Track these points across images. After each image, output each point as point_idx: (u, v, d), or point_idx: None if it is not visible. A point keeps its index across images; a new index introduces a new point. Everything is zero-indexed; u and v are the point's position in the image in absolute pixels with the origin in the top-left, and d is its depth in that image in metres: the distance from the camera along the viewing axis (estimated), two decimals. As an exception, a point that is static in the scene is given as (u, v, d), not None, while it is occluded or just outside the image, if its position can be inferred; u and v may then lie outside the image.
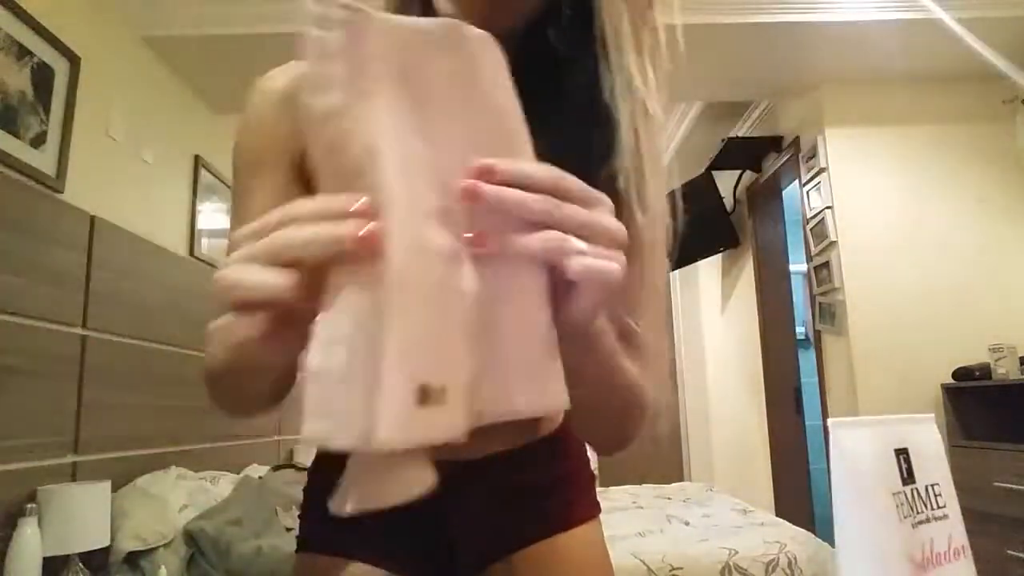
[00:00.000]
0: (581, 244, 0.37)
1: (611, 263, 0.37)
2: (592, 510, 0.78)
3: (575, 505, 0.76)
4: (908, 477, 0.48)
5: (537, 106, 0.43)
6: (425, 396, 0.35)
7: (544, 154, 0.40)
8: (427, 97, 0.37)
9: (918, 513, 0.47)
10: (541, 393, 0.39)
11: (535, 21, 0.56)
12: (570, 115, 0.53)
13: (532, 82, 0.46)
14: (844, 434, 0.45)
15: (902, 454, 0.48)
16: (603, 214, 0.39)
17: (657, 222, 0.53)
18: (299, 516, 0.77)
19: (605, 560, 0.76)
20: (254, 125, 0.63)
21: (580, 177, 0.39)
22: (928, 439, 0.50)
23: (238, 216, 0.61)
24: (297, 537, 0.75)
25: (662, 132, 0.53)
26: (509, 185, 0.36)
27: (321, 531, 0.72)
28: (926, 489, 0.48)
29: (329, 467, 0.77)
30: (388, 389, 0.33)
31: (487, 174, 0.36)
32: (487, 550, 0.72)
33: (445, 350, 0.36)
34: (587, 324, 0.41)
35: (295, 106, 0.53)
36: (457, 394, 0.36)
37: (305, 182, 0.60)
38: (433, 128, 0.37)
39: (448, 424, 0.36)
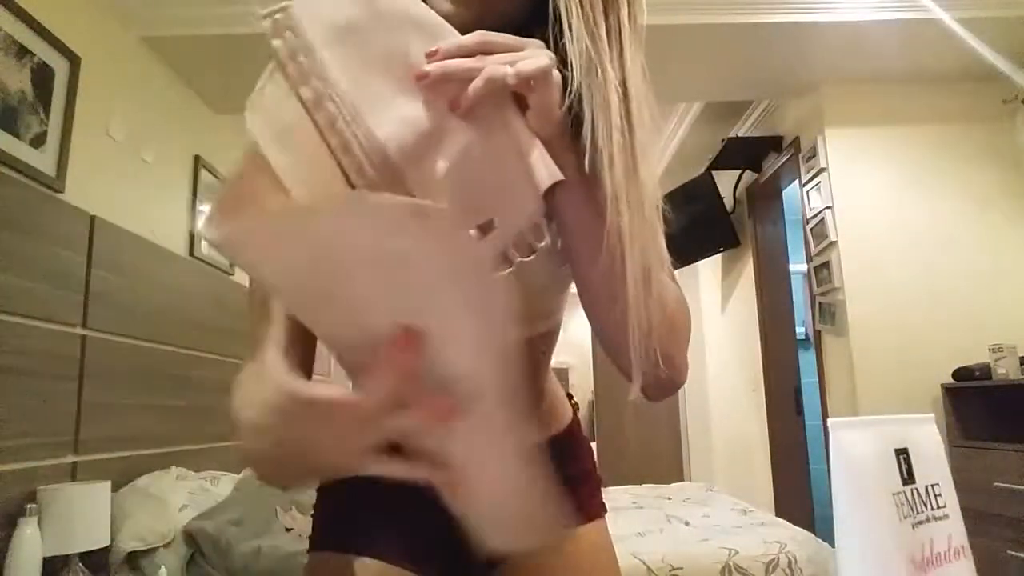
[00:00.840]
0: (508, 68, 0.47)
1: (536, 60, 0.48)
2: (600, 510, 0.79)
3: (586, 505, 0.77)
4: (908, 477, 0.48)
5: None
6: None
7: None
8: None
9: (918, 513, 0.47)
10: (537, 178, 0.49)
11: (525, 16, 0.59)
12: None
13: None
14: (844, 434, 0.45)
15: (902, 454, 0.48)
16: (530, 51, 0.49)
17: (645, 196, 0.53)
18: (312, 515, 0.77)
19: (613, 558, 0.77)
20: None
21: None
22: (928, 439, 0.50)
23: None
24: (310, 537, 0.75)
25: (644, 111, 0.53)
26: (446, 58, 0.48)
27: (334, 530, 0.73)
28: (926, 489, 0.48)
29: None
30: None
31: (431, 55, 0.48)
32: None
33: None
34: (549, 120, 0.50)
35: None
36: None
37: None
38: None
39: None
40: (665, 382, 0.58)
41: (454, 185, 0.48)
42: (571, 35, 0.53)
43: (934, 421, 0.45)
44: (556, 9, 0.54)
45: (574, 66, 0.52)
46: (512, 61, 0.49)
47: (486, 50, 0.49)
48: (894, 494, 0.44)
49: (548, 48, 0.53)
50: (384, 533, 0.70)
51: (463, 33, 0.60)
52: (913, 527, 0.45)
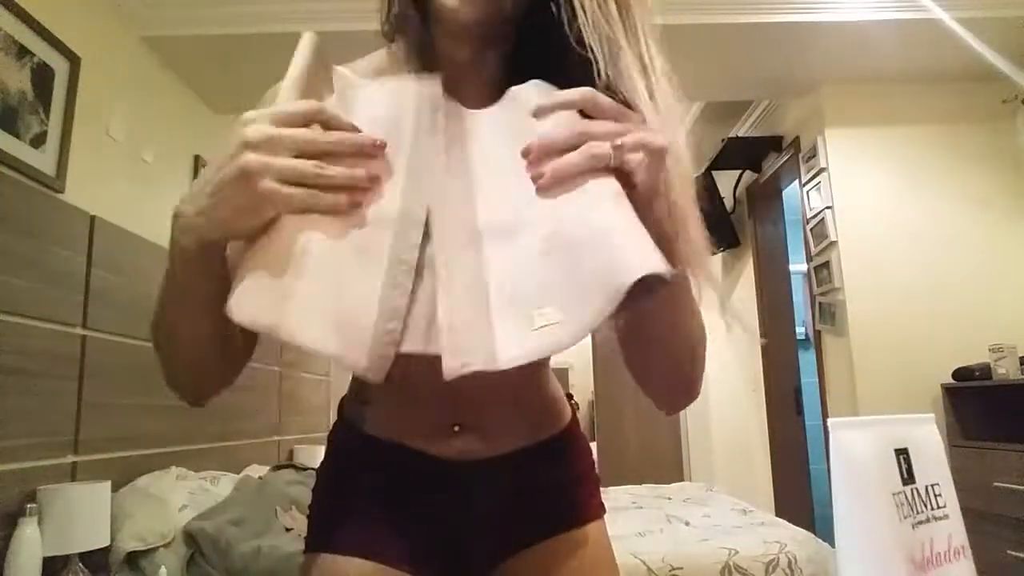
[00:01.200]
0: (607, 147, 0.47)
1: (651, 136, 0.48)
2: (599, 511, 0.78)
3: (584, 505, 0.77)
4: (908, 477, 0.48)
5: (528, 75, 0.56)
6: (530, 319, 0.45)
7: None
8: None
9: (918, 513, 0.47)
10: (645, 255, 0.46)
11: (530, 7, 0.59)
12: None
13: (530, 55, 0.58)
14: (844, 434, 0.45)
15: (902, 454, 0.48)
16: (635, 124, 0.49)
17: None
18: (308, 516, 0.77)
19: (612, 559, 0.76)
20: None
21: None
22: (928, 439, 0.50)
23: None
24: (305, 537, 0.74)
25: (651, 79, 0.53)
26: (553, 110, 0.50)
27: (331, 531, 0.72)
28: (926, 489, 0.48)
29: (338, 466, 0.77)
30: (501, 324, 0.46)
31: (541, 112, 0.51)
32: (498, 548, 0.72)
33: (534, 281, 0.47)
34: (651, 196, 0.50)
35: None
36: (562, 309, 0.46)
37: None
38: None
39: (558, 338, 0.46)
40: (683, 402, 0.66)
41: (536, 264, 0.48)
42: (587, 19, 0.52)
43: (934, 421, 0.45)
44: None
45: (597, 52, 0.52)
46: (620, 134, 0.48)
47: (594, 110, 0.50)
48: (894, 494, 0.44)
49: (558, 41, 0.53)
50: (382, 534, 0.70)
51: (467, 28, 0.60)
52: (913, 527, 0.45)
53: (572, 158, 0.48)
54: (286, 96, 0.52)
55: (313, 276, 0.47)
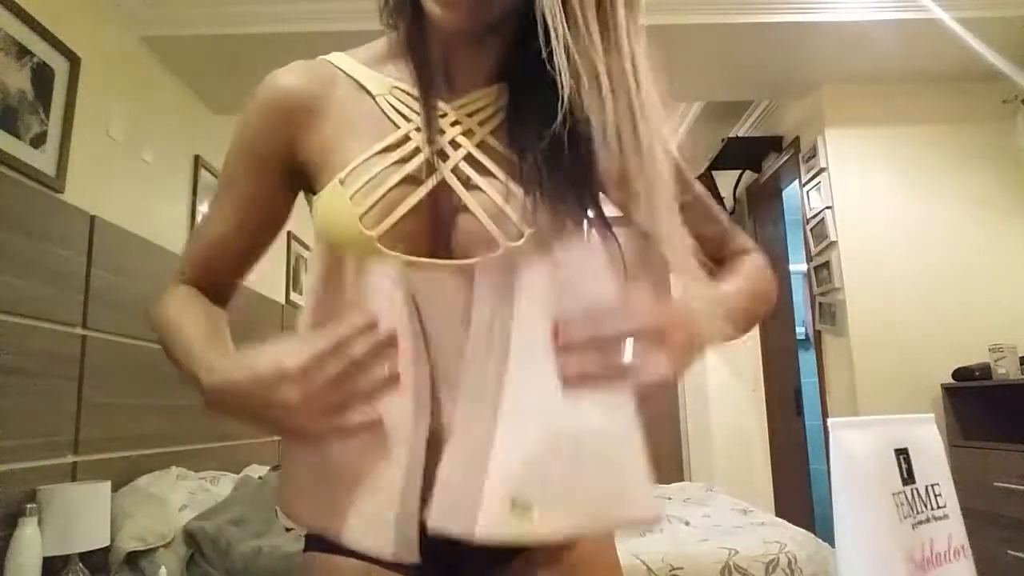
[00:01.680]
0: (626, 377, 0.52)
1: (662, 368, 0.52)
2: None
3: None
4: (908, 477, 0.48)
5: (526, 95, 0.59)
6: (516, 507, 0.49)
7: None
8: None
9: (918, 513, 0.47)
10: (646, 501, 0.51)
11: (518, 19, 0.59)
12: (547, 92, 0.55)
13: (518, 72, 0.60)
14: (844, 434, 0.45)
15: (902, 454, 0.48)
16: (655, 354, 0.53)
17: (656, 166, 0.54)
18: None
19: (615, 557, 0.77)
20: (260, 113, 0.68)
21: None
22: (928, 439, 0.50)
23: (219, 200, 0.72)
24: (305, 536, 0.74)
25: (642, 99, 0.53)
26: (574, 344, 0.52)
27: None
28: (926, 489, 0.48)
29: None
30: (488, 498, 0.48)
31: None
32: (499, 549, 0.72)
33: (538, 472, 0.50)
34: (654, 407, 0.55)
35: (299, 106, 0.66)
36: (547, 510, 0.49)
37: (294, 176, 0.69)
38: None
39: (535, 536, 0.50)
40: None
41: (541, 457, 0.51)
42: (557, 42, 0.51)
43: (934, 421, 0.45)
44: (541, 12, 0.52)
45: (564, 82, 0.51)
46: (642, 355, 0.52)
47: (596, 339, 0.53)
48: (894, 494, 0.44)
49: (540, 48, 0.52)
50: None
51: (451, 34, 0.61)
52: (913, 527, 0.45)
53: (595, 369, 0.51)
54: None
55: (345, 479, 0.58)
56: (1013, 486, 2.23)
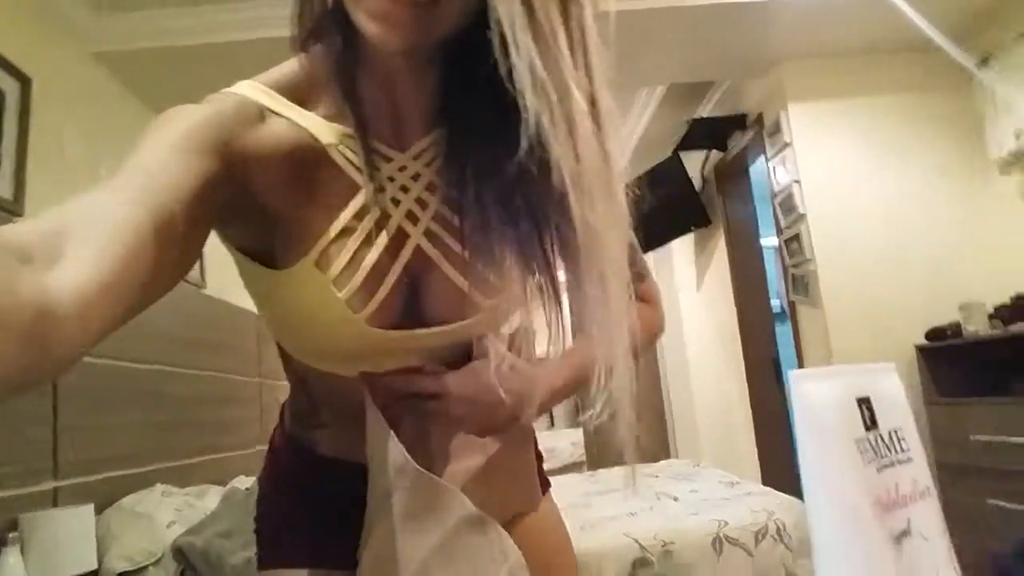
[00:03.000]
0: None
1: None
2: (544, 485, 0.86)
3: (536, 492, 0.85)
4: (871, 424, 0.50)
5: (463, 109, 0.53)
6: None
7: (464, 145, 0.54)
8: None
9: (882, 457, 0.48)
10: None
11: (459, 34, 0.50)
12: (488, 112, 0.49)
13: (456, 86, 0.54)
14: (806, 385, 0.46)
15: (864, 403, 0.50)
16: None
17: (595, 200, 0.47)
18: (255, 531, 0.78)
19: (560, 522, 0.85)
20: (213, 118, 0.58)
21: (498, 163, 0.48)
22: (889, 388, 0.51)
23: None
24: (256, 553, 0.75)
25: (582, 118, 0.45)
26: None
27: (281, 544, 0.75)
28: (889, 435, 0.50)
29: (286, 484, 0.78)
30: None
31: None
32: None
33: None
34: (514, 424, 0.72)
35: (252, 129, 0.56)
36: None
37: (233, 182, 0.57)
38: None
39: None
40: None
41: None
42: (518, 55, 0.43)
43: (895, 370, 0.47)
44: (498, 23, 0.44)
45: (526, 93, 0.43)
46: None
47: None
48: (857, 440, 0.45)
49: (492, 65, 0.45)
50: (335, 543, 0.70)
51: (391, 59, 0.55)
52: (878, 470, 0.46)
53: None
54: None
55: None
56: (989, 438, 2.29)
